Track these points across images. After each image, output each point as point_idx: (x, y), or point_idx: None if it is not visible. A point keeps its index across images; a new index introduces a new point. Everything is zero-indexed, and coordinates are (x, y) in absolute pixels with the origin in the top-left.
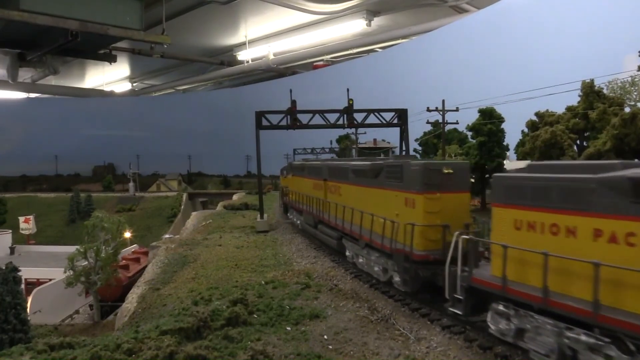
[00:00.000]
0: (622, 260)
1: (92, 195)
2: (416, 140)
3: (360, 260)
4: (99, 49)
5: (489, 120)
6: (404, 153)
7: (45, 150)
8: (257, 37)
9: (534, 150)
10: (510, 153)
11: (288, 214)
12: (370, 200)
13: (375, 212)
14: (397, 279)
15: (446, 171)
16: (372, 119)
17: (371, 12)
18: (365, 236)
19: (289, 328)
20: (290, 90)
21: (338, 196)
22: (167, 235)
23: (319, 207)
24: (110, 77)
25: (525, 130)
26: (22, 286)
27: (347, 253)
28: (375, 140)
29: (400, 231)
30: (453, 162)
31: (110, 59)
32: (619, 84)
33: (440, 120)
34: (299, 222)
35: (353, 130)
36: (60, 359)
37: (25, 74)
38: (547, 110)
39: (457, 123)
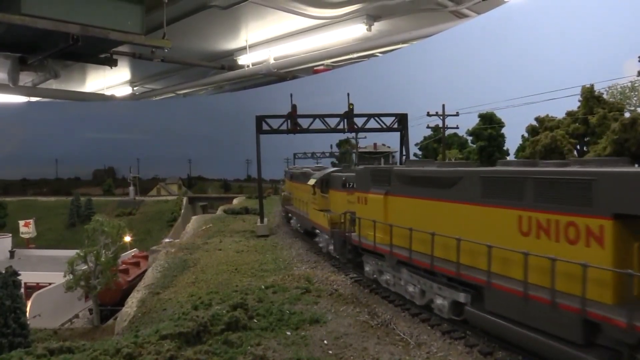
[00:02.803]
0: None
1: (92, 199)
2: (416, 144)
3: None
4: (99, 53)
5: (489, 124)
6: (404, 158)
7: (46, 153)
8: (258, 42)
9: (534, 155)
10: (511, 158)
11: (385, 278)
12: None
13: None
14: None
15: None
16: (372, 124)
17: (371, 17)
18: None
19: (289, 333)
20: (291, 95)
21: None
22: (167, 239)
23: None
24: (111, 81)
25: (526, 135)
26: (22, 290)
27: None
28: (375, 144)
29: None
30: None
31: (111, 63)
32: (619, 89)
33: (441, 125)
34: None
35: (353, 134)
36: None
37: (26, 78)
38: (547, 115)
39: (457, 128)
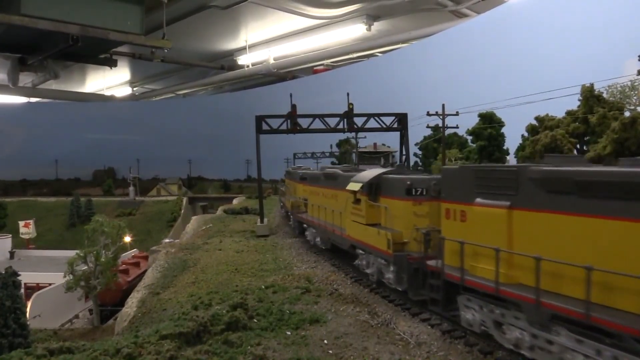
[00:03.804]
0: None
1: (92, 200)
2: (416, 144)
3: None
4: (99, 53)
5: (489, 124)
6: (404, 157)
7: (46, 154)
8: (258, 42)
9: (534, 155)
10: (511, 157)
11: (513, 337)
12: None
13: None
14: None
15: None
16: (372, 123)
17: (371, 17)
18: None
19: (289, 333)
20: (291, 95)
21: None
22: (167, 240)
23: None
24: (111, 81)
25: (526, 134)
26: (22, 290)
27: None
28: (375, 144)
29: None
30: None
31: (111, 63)
32: (619, 88)
33: (440, 125)
34: None
35: (353, 134)
36: None
37: (25, 79)
38: (547, 115)
39: (457, 127)
